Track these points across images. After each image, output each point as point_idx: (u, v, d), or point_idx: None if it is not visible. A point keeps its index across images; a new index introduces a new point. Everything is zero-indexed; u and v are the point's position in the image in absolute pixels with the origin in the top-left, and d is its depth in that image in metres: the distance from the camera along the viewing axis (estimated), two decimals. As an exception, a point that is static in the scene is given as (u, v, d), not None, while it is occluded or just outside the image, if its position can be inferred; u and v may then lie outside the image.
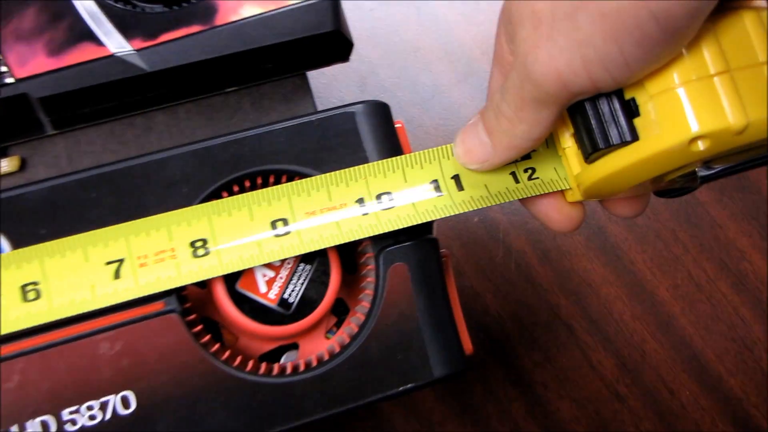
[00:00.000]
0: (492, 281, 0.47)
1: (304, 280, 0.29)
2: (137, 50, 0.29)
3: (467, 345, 0.30)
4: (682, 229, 0.49)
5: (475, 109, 0.29)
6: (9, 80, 0.29)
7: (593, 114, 0.25)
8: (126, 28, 0.30)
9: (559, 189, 0.29)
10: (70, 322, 0.27)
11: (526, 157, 0.29)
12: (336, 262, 0.30)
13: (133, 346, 0.27)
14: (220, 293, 0.29)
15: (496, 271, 0.48)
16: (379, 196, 0.28)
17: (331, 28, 0.31)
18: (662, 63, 0.23)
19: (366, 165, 0.29)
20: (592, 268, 0.48)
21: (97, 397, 0.26)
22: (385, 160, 0.29)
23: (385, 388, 0.28)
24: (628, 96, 0.24)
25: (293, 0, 0.31)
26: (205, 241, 0.27)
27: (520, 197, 0.29)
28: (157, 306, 0.27)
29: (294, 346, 0.31)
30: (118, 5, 0.30)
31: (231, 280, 0.29)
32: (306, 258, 0.30)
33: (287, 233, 0.28)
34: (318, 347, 0.30)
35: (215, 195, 0.29)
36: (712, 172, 0.26)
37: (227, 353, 0.28)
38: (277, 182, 0.30)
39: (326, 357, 0.29)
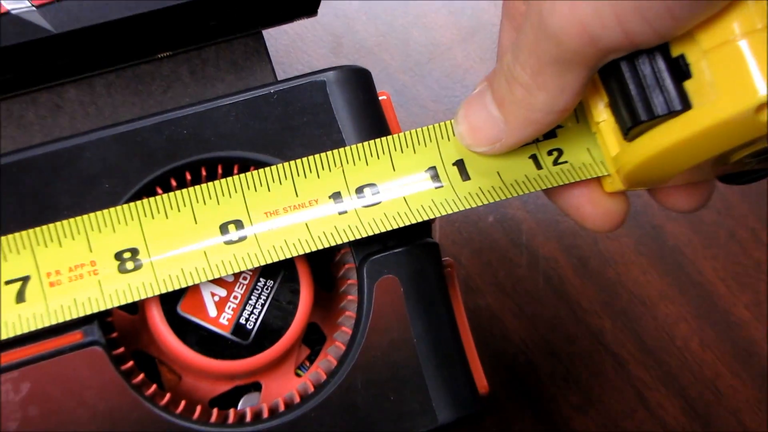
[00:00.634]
0: (513, 299, 0.48)
1: (265, 300, 0.30)
2: (38, 6, 0.30)
3: (481, 382, 0.31)
4: (765, 228, 0.49)
5: (484, 75, 0.29)
6: None
7: (632, 77, 0.25)
8: (25, -22, 0.30)
9: (594, 176, 0.29)
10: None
11: (550, 135, 0.29)
12: (306, 277, 0.30)
13: (44, 389, 0.27)
14: (157, 319, 0.29)
15: (518, 285, 0.48)
16: (359, 190, 0.29)
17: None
18: (718, 8, 0.24)
19: (342, 149, 0.29)
20: (646, 281, 0.49)
21: (-2, 459, 0.27)
22: (366, 143, 0.30)
23: (373, 439, 0.29)
24: (675, 53, 0.25)
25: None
26: (134, 252, 0.28)
27: (544, 187, 0.29)
28: (75, 337, 0.28)
29: (255, 387, 0.31)
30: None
31: (170, 301, 0.29)
32: (267, 271, 0.30)
33: (242, 239, 0.28)
34: (286, 387, 0.31)
35: (147, 192, 0.29)
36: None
37: (167, 397, 0.29)
38: (227, 174, 0.30)
39: (297, 400, 0.29)
